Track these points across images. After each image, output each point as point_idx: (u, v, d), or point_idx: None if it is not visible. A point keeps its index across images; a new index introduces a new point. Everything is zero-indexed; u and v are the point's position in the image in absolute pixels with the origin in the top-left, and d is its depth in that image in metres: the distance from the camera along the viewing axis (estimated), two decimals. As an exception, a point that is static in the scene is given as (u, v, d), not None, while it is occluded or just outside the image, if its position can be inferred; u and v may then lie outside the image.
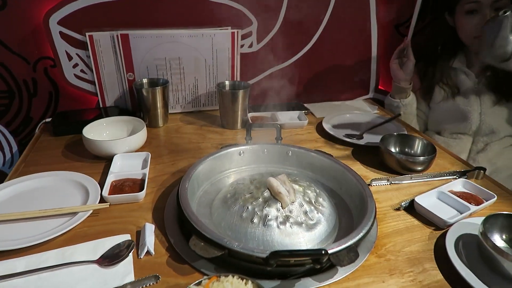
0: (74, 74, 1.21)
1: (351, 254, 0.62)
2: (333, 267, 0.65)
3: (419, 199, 0.82)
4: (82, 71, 1.21)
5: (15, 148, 1.28)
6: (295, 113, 1.31)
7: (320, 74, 1.48)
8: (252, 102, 1.32)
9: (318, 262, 0.59)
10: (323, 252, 0.57)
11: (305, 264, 0.63)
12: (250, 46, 1.34)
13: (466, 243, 0.70)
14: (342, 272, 0.64)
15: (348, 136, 1.15)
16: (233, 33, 1.24)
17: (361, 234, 0.66)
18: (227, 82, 1.26)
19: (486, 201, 0.83)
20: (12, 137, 1.27)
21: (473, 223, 0.74)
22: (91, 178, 0.87)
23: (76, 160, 1.00)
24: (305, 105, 1.44)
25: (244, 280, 0.55)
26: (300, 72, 1.43)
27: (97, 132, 1.05)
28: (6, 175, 0.96)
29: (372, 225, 0.69)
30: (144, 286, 0.61)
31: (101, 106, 1.26)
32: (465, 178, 0.93)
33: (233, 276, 0.55)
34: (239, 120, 1.22)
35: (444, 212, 0.80)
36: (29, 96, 1.22)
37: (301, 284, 0.62)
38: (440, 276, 0.65)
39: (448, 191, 0.86)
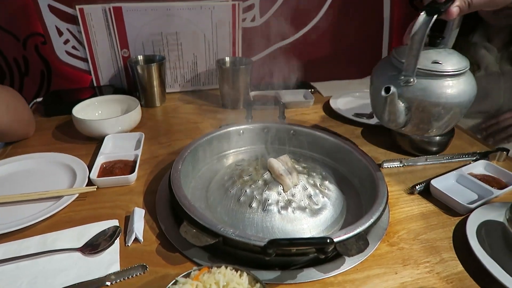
0: (66, 51, 1.14)
1: (360, 242, 0.55)
2: (340, 256, 0.59)
3: (435, 182, 0.74)
4: (74, 47, 1.14)
5: (8, 130, 1.23)
6: (301, 92, 1.24)
7: (327, 51, 1.38)
8: (254, 80, 1.24)
9: (322, 252, 0.52)
10: (328, 240, 0.50)
11: (309, 253, 0.56)
12: (253, 20, 1.25)
13: (490, 230, 0.63)
14: (349, 262, 0.58)
15: (357, 115, 1.07)
16: (234, 6, 1.16)
17: (372, 220, 0.59)
18: (227, 59, 1.18)
19: (510, 184, 0.75)
20: (4, 119, 1.21)
21: (497, 209, 0.67)
22: (80, 160, 0.81)
23: (67, 142, 0.94)
24: (311, 83, 1.36)
25: (239, 272, 0.49)
26: (306, 48, 1.34)
27: (89, 112, 0.98)
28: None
29: (383, 210, 0.62)
30: (130, 276, 0.55)
31: (95, 85, 1.20)
32: (486, 160, 0.85)
33: (226, 267, 0.49)
34: (240, 99, 1.14)
35: (464, 197, 0.72)
36: (21, 75, 1.16)
37: (304, 275, 0.56)
38: (460, 267, 0.58)
39: (468, 174, 0.78)
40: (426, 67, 0.64)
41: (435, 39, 0.70)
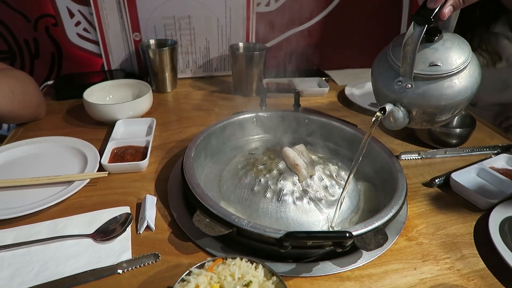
0: (77, 33, 1.12)
1: (379, 236, 0.53)
2: (356, 249, 0.57)
3: (456, 176, 0.72)
4: (85, 30, 1.12)
5: (19, 113, 1.22)
6: (315, 80, 1.21)
7: (343, 38, 1.34)
8: (267, 67, 1.21)
9: (340, 246, 0.50)
10: (347, 235, 0.49)
11: (324, 246, 0.55)
12: (267, 4, 1.21)
13: (513, 227, 0.60)
14: (367, 257, 0.56)
15: (373, 105, 1.04)
16: (248, -11, 1.12)
17: (391, 214, 0.57)
18: (241, 44, 1.15)
19: (534, 179, 0.72)
20: (15, 102, 1.20)
21: (521, 205, 0.64)
22: (91, 145, 0.80)
23: (78, 126, 0.93)
24: (326, 71, 1.32)
25: (254, 264, 0.47)
26: (322, 34, 1.30)
27: (100, 96, 0.97)
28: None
29: (403, 204, 0.60)
30: (142, 265, 0.54)
31: (106, 69, 1.18)
32: (508, 154, 0.81)
33: (241, 259, 0.47)
34: (253, 86, 1.12)
35: (485, 191, 0.70)
36: (31, 57, 1.15)
37: (319, 269, 0.54)
38: (482, 264, 0.56)
39: (489, 168, 0.76)
40: (423, 71, 0.59)
41: (431, 36, 0.62)
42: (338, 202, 0.61)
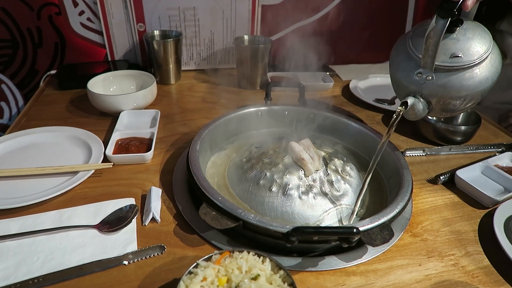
0: (81, 23, 1.11)
1: (385, 232, 0.53)
2: (362, 245, 0.57)
3: (461, 173, 0.72)
4: (88, 19, 1.11)
5: (21, 102, 1.21)
6: (319, 75, 1.20)
7: (348, 33, 1.33)
8: (272, 61, 1.21)
9: (347, 241, 0.50)
10: (354, 230, 0.49)
11: (330, 241, 0.55)
12: (273, -3, 1.21)
13: (518, 225, 0.61)
14: (372, 252, 0.56)
15: (378, 101, 1.03)
16: (254, -18, 1.11)
17: (397, 210, 0.57)
18: (246, 37, 1.14)
19: (539, 178, 0.73)
20: (18, 91, 1.19)
21: (525, 203, 0.64)
22: (95, 136, 0.80)
23: (81, 116, 0.92)
24: (331, 66, 1.32)
25: (261, 258, 0.47)
26: (328, 29, 1.29)
27: (104, 86, 0.96)
28: (10, 130, 0.90)
29: (409, 200, 0.60)
30: (148, 256, 0.54)
31: (109, 59, 1.17)
32: (513, 152, 0.82)
33: (248, 252, 0.47)
34: (258, 80, 1.11)
35: (490, 189, 0.70)
36: (34, 46, 1.13)
37: (325, 263, 0.54)
38: (486, 261, 0.57)
39: (494, 166, 0.76)
40: (445, 63, 0.58)
41: (453, 26, 0.60)
42: (356, 202, 0.61)
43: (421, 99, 0.61)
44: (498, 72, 0.60)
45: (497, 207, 0.64)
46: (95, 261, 0.52)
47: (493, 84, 0.60)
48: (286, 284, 0.44)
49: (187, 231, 0.59)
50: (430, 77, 0.59)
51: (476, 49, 0.58)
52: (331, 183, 0.65)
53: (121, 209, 0.62)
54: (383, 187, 0.71)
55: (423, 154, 0.83)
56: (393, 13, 1.34)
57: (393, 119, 0.60)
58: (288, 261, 0.54)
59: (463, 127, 0.85)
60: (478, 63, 0.58)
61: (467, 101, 0.61)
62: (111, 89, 0.98)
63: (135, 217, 0.60)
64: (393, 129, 0.60)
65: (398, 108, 0.60)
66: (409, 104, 0.60)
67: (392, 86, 0.69)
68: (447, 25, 0.55)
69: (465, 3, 0.56)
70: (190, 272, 0.45)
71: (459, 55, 0.58)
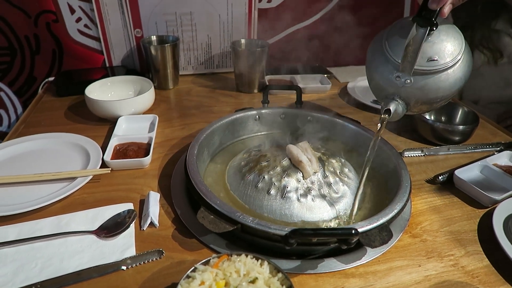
0: (78, 30, 1.11)
1: (383, 233, 0.53)
2: (361, 246, 0.57)
3: (459, 173, 0.72)
4: (86, 26, 1.11)
5: (19, 109, 1.22)
6: (317, 77, 1.20)
7: (346, 35, 1.33)
8: (269, 64, 1.21)
9: (345, 243, 0.50)
10: (353, 232, 0.48)
11: (329, 243, 0.55)
12: (269, 1, 1.21)
13: (518, 224, 0.60)
14: (371, 253, 0.56)
15: (376, 102, 1.03)
16: (250, -14, 1.12)
17: (395, 210, 0.57)
18: (243, 41, 1.15)
19: (538, 177, 0.72)
20: (16, 98, 1.20)
21: (524, 202, 0.64)
22: (93, 141, 0.80)
23: (79, 122, 0.92)
24: (328, 68, 1.32)
25: (260, 261, 0.47)
26: (324, 31, 1.30)
27: (102, 92, 0.96)
28: (8, 137, 0.90)
29: (407, 200, 0.60)
30: (146, 261, 0.54)
31: (107, 65, 1.17)
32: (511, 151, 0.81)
33: (246, 256, 0.47)
34: (255, 83, 1.11)
35: (489, 188, 0.70)
36: (32, 53, 1.14)
37: (324, 266, 0.54)
38: (486, 261, 0.56)
39: (492, 165, 0.75)
40: (422, 67, 0.59)
41: (429, 31, 0.60)
42: (355, 201, 0.62)
43: (400, 101, 0.63)
44: (470, 70, 0.62)
45: (496, 207, 0.64)
46: (93, 266, 0.52)
47: (466, 82, 0.62)
48: (284, 287, 0.44)
49: (186, 235, 0.59)
50: (409, 81, 0.61)
51: (450, 51, 0.60)
52: (329, 185, 0.65)
53: (119, 214, 0.62)
54: (382, 188, 0.71)
55: (422, 154, 0.83)
56: (389, 15, 1.34)
57: (378, 128, 0.63)
58: (287, 264, 0.54)
59: (461, 127, 0.85)
60: (453, 65, 0.60)
61: (443, 101, 0.64)
62: (109, 94, 0.99)
63: (133, 222, 0.60)
64: (379, 136, 0.63)
65: (382, 116, 0.62)
66: (392, 111, 0.61)
67: (369, 86, 0.70)
68: (427, 33, 0.56)
69: (442, 10, 0.57)
70: (188, 276, 0.45)
71: (435, 59, 0.59)
